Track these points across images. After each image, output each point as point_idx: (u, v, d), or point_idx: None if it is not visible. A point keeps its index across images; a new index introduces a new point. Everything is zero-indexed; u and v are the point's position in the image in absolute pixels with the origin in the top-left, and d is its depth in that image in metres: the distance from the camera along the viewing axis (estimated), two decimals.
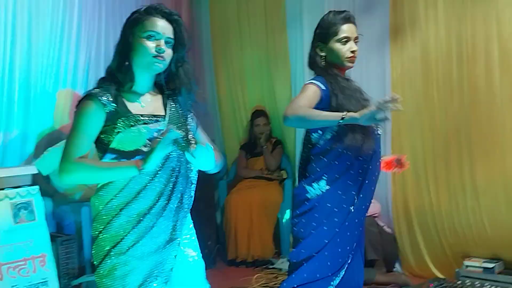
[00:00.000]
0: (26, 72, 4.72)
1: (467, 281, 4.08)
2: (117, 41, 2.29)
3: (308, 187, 2.79)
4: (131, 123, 2.16)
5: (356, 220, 2.80)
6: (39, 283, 3.73)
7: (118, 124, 2.15)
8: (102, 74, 5.53)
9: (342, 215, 2.75)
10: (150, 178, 2.18)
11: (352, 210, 2.76)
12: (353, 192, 2.76)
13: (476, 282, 4.04)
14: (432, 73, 4.57)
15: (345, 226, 2.75)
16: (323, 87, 2.71)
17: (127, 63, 2.22)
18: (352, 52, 2.80)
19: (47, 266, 3.79)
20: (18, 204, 3.76)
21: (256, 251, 5.26)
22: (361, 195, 2.78)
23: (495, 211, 4.28)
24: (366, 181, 2.78)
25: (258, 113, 5.67)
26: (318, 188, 2.76)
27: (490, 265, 4.12)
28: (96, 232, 2.21)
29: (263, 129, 5.59)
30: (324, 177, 2.76)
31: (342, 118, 2.56)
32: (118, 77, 2.23)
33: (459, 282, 4.10)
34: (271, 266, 5.09)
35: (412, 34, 4.69)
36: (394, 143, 4.79)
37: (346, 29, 2.81)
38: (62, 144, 4.70)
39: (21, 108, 4.72)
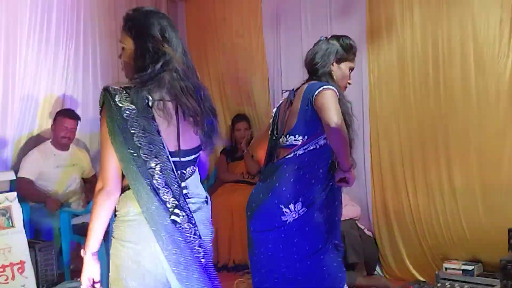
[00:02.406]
0: (4, 77, 4.72)
1: (447, 283, 4.11)
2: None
3: (285, 209, 2.79)
4: None
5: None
6: None
7: None
8: (80, 77, 5.58)
9: (318, 238, 2.84)
10: None
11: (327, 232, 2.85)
12: (325, 215, 2.85)
13: (456, 285, 4.07)
14: (409, 76, 4.61)
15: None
16: (337, 96, 2.83)
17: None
18: (348, 83, 3.06)
19: (26, 273, 3.77)
20: None
21: (237, 256, 5.25)
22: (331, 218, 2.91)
23: (473, 214, 4.32)
24: (336, 203, 2.94)
25: (239, 118, 5.71)
26: (295, 211, 2.79)
27: (469, 268, 4.15)
28: None
29: (244, 134, 5.62)
30: (300, 199, 2.78)
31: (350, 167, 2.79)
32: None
33: (439, 284, 4.13)
34: None
35: (388, 37, 4.73)
36: (373, 146, 4.82)
37: (355, 62, 3.08)
38: (43, 145, 4.78)
39: None
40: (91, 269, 2.11)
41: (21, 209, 3.87)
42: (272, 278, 2.88)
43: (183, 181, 2.18)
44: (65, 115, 4.79)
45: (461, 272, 4.17)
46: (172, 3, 6.21)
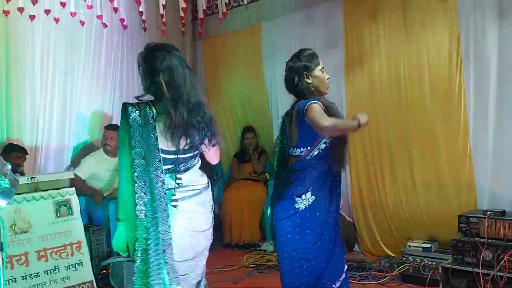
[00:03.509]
0: (63, 96, 5.05)
1: (410, 258, 4.23)
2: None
3: (297, 198, 2.77)
4: None
5: (331, 221, 2.88)
6: (76, 263, 3.78)
7: None
8: (124, 98, 5.70)
9: (323, 221, 2.78)
10: None
11: (330, 214, 2.83)
12: (328, 200, 2.83)
13: (417, 259, 4.19)
14: (377, 96, 4.78)
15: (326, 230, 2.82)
16: (322, 106, 2.76)
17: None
18: (327, 79, 2.94)
19: (82, 251, 3.87)
20: (59, 202, 3.81)
21: (246, 237, 5.45)
22: (333, 201, 2.88)
23: (430, 203, 4.50)
24: (338, 190, 2.92)
25: (247, 129, 5.96)
26: (306, 199, 2.76)
27: (428, 245, 4.27)
28: None
29: (252, 141, 5.86)
30: (310, 189, 2.77)
31: (359, 126, 2.69)
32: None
33: (404, 258, 4.27)
34: (258, 248, 5.27)
35: (360, 66, 4.89)
36: (350, 150, 4.48)
37: (321, 61, 2.95)
38: (96, 153, 5.04)
39: (59, 126, 5.03)
40: None
41: (78, 200, 3.96)
42: (290, 257, 2.83)
43: (179, 174, 2.35)
44: (108, 127, 5.15)
45: (421, 249, 4.27)
46: (193, 41, 6.47)
